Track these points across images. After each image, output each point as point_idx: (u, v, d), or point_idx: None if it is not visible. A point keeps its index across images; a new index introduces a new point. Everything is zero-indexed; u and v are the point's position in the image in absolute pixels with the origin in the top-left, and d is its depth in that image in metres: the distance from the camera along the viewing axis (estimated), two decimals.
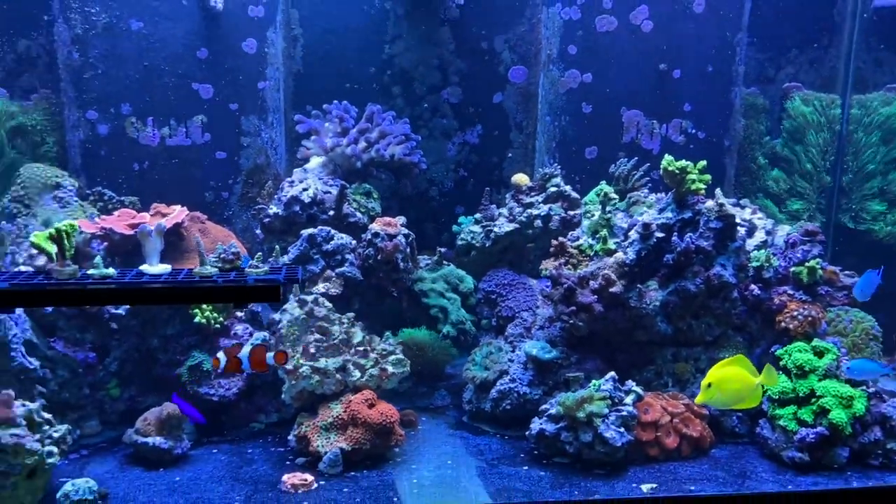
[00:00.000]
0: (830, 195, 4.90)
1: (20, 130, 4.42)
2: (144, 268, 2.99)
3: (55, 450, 3.15)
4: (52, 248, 2.93)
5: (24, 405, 3.15)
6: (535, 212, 4.24)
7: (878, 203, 4.85)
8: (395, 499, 3.23)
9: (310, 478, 3.32)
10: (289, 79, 4.70)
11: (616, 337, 3.85)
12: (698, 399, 3.17)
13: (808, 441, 3.43)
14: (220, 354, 3.23)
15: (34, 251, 3.69)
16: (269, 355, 3.25)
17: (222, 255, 3.03)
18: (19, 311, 3.54)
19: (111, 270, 2.89)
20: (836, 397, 3.47)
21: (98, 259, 2.92)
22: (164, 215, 3.85)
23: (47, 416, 3.23)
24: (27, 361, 3.51)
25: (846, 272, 4.05)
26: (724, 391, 3.13)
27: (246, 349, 3.25)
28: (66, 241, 2.85)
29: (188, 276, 2.94)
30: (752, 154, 4.89)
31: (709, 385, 3.13)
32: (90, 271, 2.88)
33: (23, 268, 3.57)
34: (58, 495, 3.12)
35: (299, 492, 3.27)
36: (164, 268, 2.98)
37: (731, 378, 3.14)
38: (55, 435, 3.19)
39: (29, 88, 4.48)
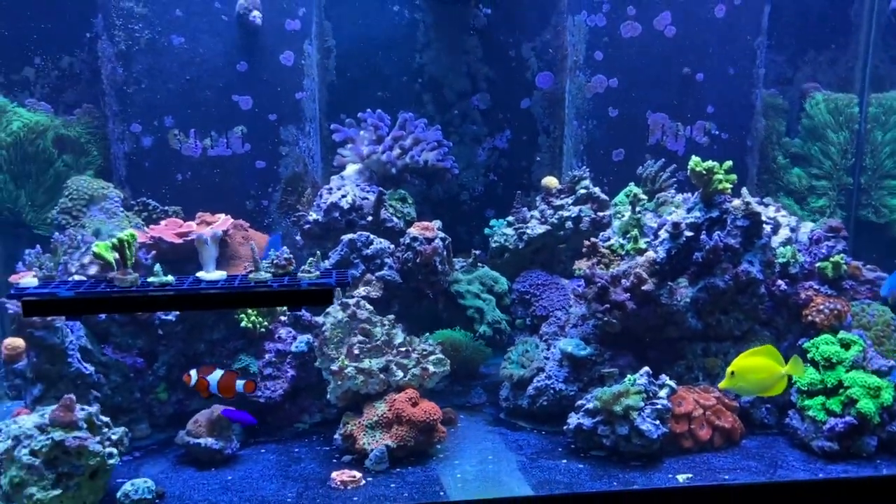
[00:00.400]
0: (850, 192, 5.02)
1: (65, 144, 4.58)
2: (201, 274, 3.12)
3: (115, 451, 3.29)
4: (112, 258, 3.08)
5: (83, 409, 3.29)
6: (565, 213, 4.37)
7: None
8: (442, 493, 3.36)
9: (358, 474, 3.45)
10: (322, 89, 4.84)
11: (647, 333, 3.97)
12: (722, 385, 3.33)
13: (837, 430, 3.54)
14: (193, 372, 3.44)
15: (86, 261, 3.85)
16: (240, 383, 3.45)
17: (275, 261, 3.16)
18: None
19: (170, 278, 3.03)
20: (863, 388, 3.58)
21: (158, 267, 3.06)
22: (209, 224, 3.99)
23: (105, 419, 3.37)
24: (83, 367, 3.66)
25: (868, 266, 4.16)
26: (747, 380, 3.27)
27: (217, 374, 3.43)
28: (127, 250, 2.98)
29: (244, 281, 3.07)
30: (772, 154, 5.02)
31: (732, 373, 3.27)
32: (150, 279, 3.02)
33: (76, 277, 3.72)
34: (118, 495, 3.26)
35: (349, 488, 3.39)
36: (220, 274, 3.11)
37: (756, 367, 3.27)
38: (113, 437, 3.33)
39: (72, 103, 4.64)
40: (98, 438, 3.22)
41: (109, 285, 2.97)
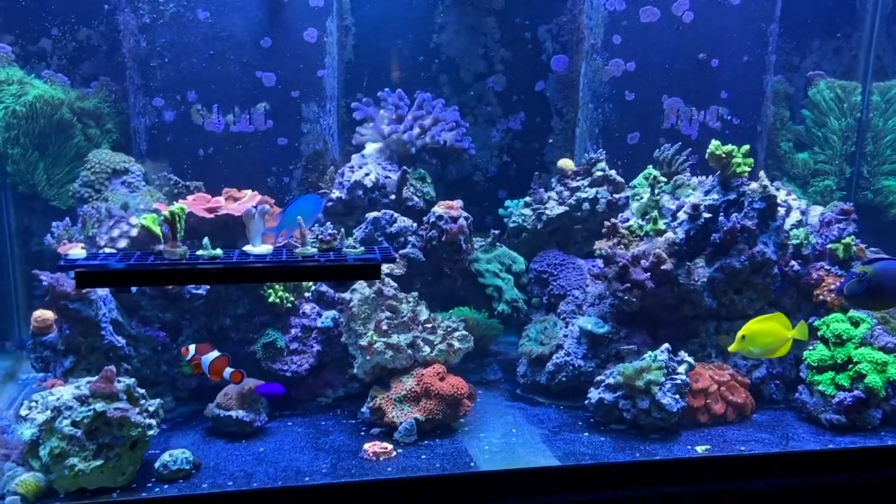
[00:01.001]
0: (850, 177, 5.22)
1: (83, 116, 4.53)
2: (248, 248, 3.16)
3: (153, 422, 3.32)
4: (160, 230, 3.09)
5: (121, 381, 3.32)
6: (582, 195, 4.47)
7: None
8: (472, 463, 3.46)
9: (389, 446, 3.53)
10: (341, 67, 4.85)
11: (663, 312, 4.10)
12: (732, 348, 3.52)
13: (846, 404, 3.72)
14: (192, 347, 3.52)
15: (115, 233, 3.85)
16: (228, 370, 3.50)
17: (321, 236, 3.20)
18: (105, 291, 3.69)
19: (219, 251, 3.05)
20: (871, 363, 3.76)
21: (206, 240, 3.08)
22: (236, 199, 4.00)
23: (142, 390, 3.40)
24: (115, 339, 3.67)
25: (872, 249, 4.35)
26: (756, 343, 3.46)
27: (211, 355, 3.49)
28: (179, 223, 3.00)
29: (290, 256, 3.11)
30: (777, 139, 5.18)
31: (743, 337, 3.46)
32: (199, 252, 3.04)
33: (106, 249, 3.71)
34: (156, 465, 3.28)
35: (381, 459, 3.47)
36: (267, 248, 3.14)
37: (765, 332, 3.46)
38: (150, 409, 3.36)
39: (88, 76, 4.59)
40: (138, 410, 3.25)
41: (158, 258, 2.98)
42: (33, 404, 3.19)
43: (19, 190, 4.48)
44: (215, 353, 3.50)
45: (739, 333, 3.49)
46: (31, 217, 4.55)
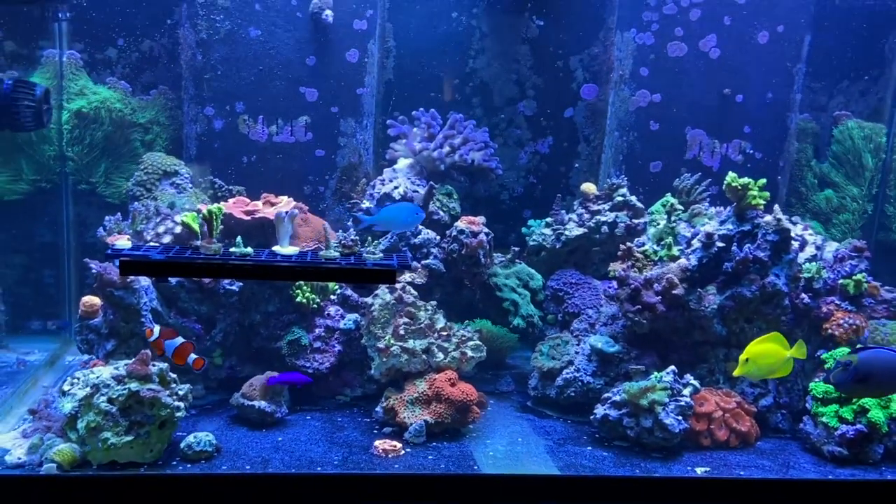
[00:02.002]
0: (872, 216, 5.28)
1: (139, 122, 4.92)
2: (276, 248, 3.43)
3: (182, 405, 3.58)
4: (198, 227, 3.38)
5: (155, 364, 3.59)
6: (602, 218, 4.64)
7: None
8: (475, 466, 3.62)
9: (398, 444, 3.72)
10: (380, 86, 5.14)
11: (673, 336, 4.22)
12: (736, 372, 3.57)
13: (848, 437, 3.77)
14: (156, 329, 3.65)
15: (160, 230, 4.16)
16: (192, 356, 3.62)
17: (342, 241, 3.46)
18: (147, 282, 4.00)
19: (250, 249, 3.33)
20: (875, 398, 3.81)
21: (239, 239, 3.36)
22: (273, 204, 4.28)
23: (174, 375, 3.67)
24: (153, 327, 3.96)
25: (886, 287, 4.40)
26: (759, 365, 3.55)
27: (176, 341, 3.63)
28: (215, 221, 3.29)
29: (314, 257, 3.37)
30: (801, 176, 5.28)
31: (746, 360, 3.54)
32: (232, 249, 3.32)
33: (152, 244, 4.02)
34: (181, 445, 3.52)
35: (389, 456, 3.66)
36: (294, 249, 3.41)
37: (765, 353, 3.54)
38: (180, 392, 3.62)
39: (148, 84, 4.96)
40: (168, 392, 3.51)
41: (195, 252, 3.27)
42: (75, 381, 3.48)
43: (80, 187, 4.86)
44: (180, 340, 3.67)
45: (742, 356, 3.58)
46: (88, 210, 4.92)
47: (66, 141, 4.79)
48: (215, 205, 3.28)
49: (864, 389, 3.37)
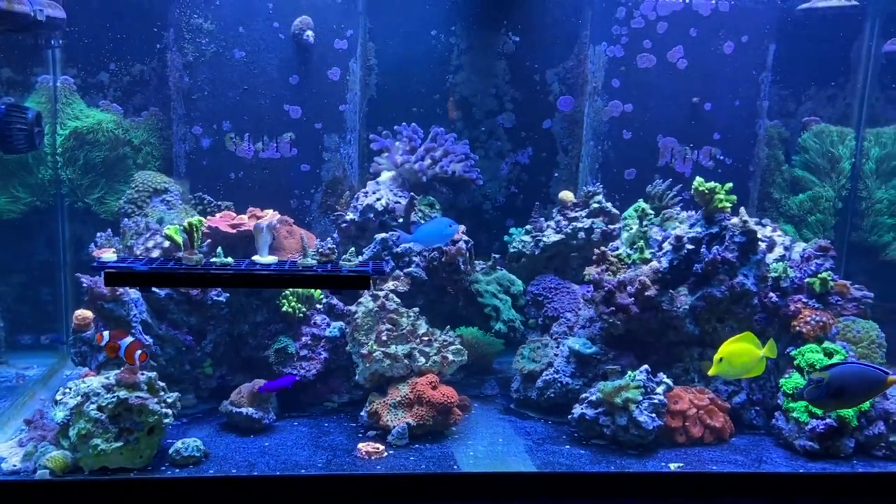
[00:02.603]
0: (844, 218, 5.41)
1: (132, 142, 5.11)
2: (256, 258, 3.58)
3: (170, 412, 3.72)
4: (181, 239, 3.54)
5: (144, 373, 3.73)
6: (579, 225, 4.79)
7: (888, 218, 5.39)
8: (456, 466, 3.75)
9: (381, 447, 3.84)
10: (363, 102, 5.32)
11: (649, 337, 4.34)
12: (710, 371, 3.66)
13: (818, 431, 3.88)
14: (105, 334, 3.75)
15: (150, 245, 4.33)
16: (139, 352, 3.68)
17: (320, 250, 3.61)
18: (137, 294, 4.15)
19: (230, 259, 3.49)
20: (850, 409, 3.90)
21: (219, 250, 3.52)
22: (258, 218, 4.44)
23: (162, 383, 3.81)
24: (143, 338, 4.10)
25: (856, 286, 4.52)
26: (733, 364, 3.64)
27: (127, 340, 3.72)
28: (195, 234, 3.45)
29: (293, 265, 3.52)
30: (772, 180, 5.43)
31: (720, 359, 3.63)
32: (213, 259, 3.48)
33: (142, 257, 4.19)
34: (170, 451, 3.66)
35: (372, 458, 3.78)
36: (272, 259, 3.57)
37: (739, 352, 3.64)
38: (168, 400, 3.75)
39: (139, 106, 5.16)
40: (156, 399, 3.65)
41: (177, 263, 3.43)
42: (67, 390, 3.61)
43: (76, 205, 5.05)
44: (129, 339, 3.76)
45: (717, 356, 3.68)
46: (83, 228, 5.09)
47: (62, 163, 4.98)
48: (196, 217, 3.44)
49: (839, 403, 3.47)
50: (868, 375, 3.32)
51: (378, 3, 5.24)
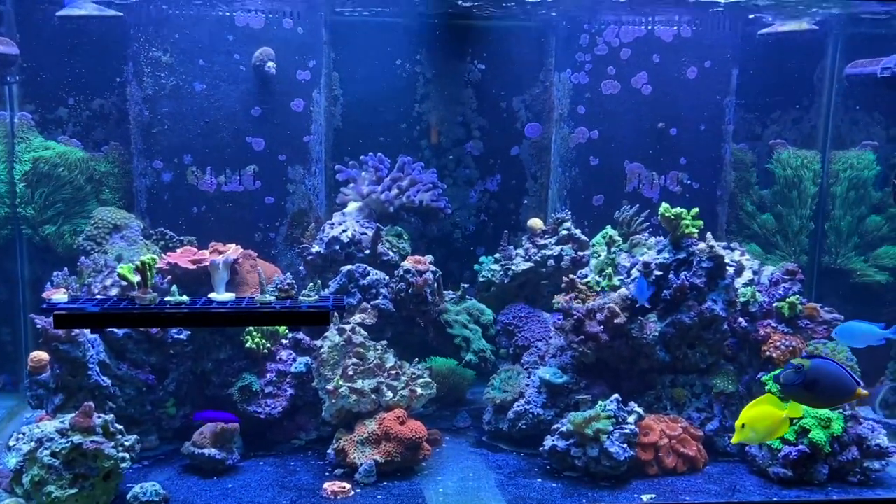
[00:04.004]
0: (814, 241, 5.42)
1: (93, 177, 5.02)
2: (213, 296, 3.50)
3: (127, 456, 3.60)
4: (135, 279, 3.45)
5: (100, 416, 3.62)
6: (548, 252, 4.75)
7: (856, 243, 5.41)
8: None
9: (347, 486, 3.75)
10: (329, 133, 5.28)
11: (620, 364, 4.29)
12: (735, 439, 3.45)
13: (791, 458, 3.83)
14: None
15: (108, 283, 4.23)
16: None
17: (279, 286, 3.53)
18: (95, 335, 4.04)
19: (185, 297, 3.40)
20: (815, 418, 3.86)
21: (174, 288, 3.44)
22: (220, 252, 4.36)
23: (119, 426, 3.70)
24: (101, 379, 3.99)
25: (826, 308, 4.49)
26: (756, 429, 3.42)
27: None
28: (148, 272, 3.36)
29: (250, 303, 3.44)
30: (741, 203, 5.43)
31: (742, 426, 3.41)
32: (167, 298, 3.39)
33: (98, 297, 4.09)
34: (128, 496, 3.55)
35: (338, 498, 3.69)
36: (230, 296, 3.48)
37: (761, 416, 3.42)
38: (126, 443, 3.64)
39: (100, 141, 5.09)
40: (112, 443, 3.53)
41: (131, 303, 3.34)
42: (20, 436, 3.51)
43: (35, 241, 4.94)
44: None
45: (738, 422, 3.46)
46: (43, 267, 4.98)
47: (20, 199, 4.88)
48: (150, 256, 3.35)
49: (808, 396, 3.40)
50: (843, 379, 3.29)
51: (342, 33, 5.22)
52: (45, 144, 4.94)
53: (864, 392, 3.30)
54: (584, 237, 4.82)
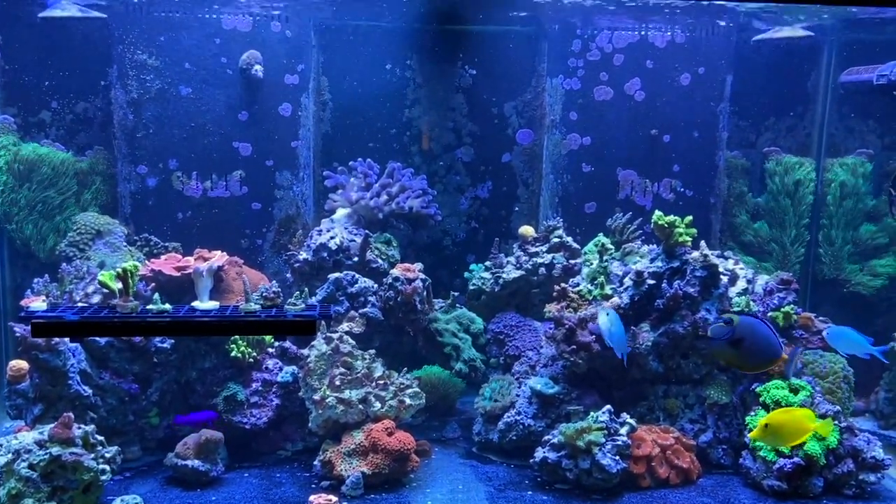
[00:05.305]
0: (808, 250, 5.38)
1: (76, 179, 4.92)
2: (196, 304, 3.41)
3: (107, 468, 3.51)
4: (116, 286, 3.36)
5: (80, 427, 3.53)
6: (539, 260, 4.68)
7: (850, 251, 5.36)
8: None
9: (334, 498, 3.65)
10: (318, 138, 5.20)
11: (612, 374, 4.22)
12: (752, 434, 3.39)
13: (785, 470, 3.77)
14: None
15: (90, 290, 4.13)
16: None
17: (264, 294, 3.45)
18: (75, 343, 3.95)
19: (167, 306, 3.31)
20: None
21: (156, 296, 3.35)
22: (205, 259, 4.27)
23: (100, 437, 3.60)
24: (82, 389, 3.90)
25: (820, 318, 4.44)
26: (777, 433, 3.35)
27: None
28: (130, 280, 3.27)
29: (234, 311, 3.36)
30: (734, 211, 5.39)
31: (766, 426, 3.32)
32: (149, 306, 3.30)
33: (80, 304, 3.99)
34: None
35: None
36: (213, 304, 3.40)
37: (789, 421, 3.34)
38: (107, 455, 3.55)
39: (84, 145, 4.99)
40: (93, 455, 3.44)
41: (112, 311, 3.25)
42: None
43: (16, 245, 4.84)
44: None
45: (762, 421, 3.37)
46: (24, 274, 4.88)
47: (1, 202, 4.78)
48: (131, 263, 3.27)
49: (734, 355, 3.32)
50: (769, 341, 3.24)
51: (331, 36, 5.15)
52: (30, 146, 4.84)
53: (787, 357, 3.22)
54: (575, 245, 4.76)
